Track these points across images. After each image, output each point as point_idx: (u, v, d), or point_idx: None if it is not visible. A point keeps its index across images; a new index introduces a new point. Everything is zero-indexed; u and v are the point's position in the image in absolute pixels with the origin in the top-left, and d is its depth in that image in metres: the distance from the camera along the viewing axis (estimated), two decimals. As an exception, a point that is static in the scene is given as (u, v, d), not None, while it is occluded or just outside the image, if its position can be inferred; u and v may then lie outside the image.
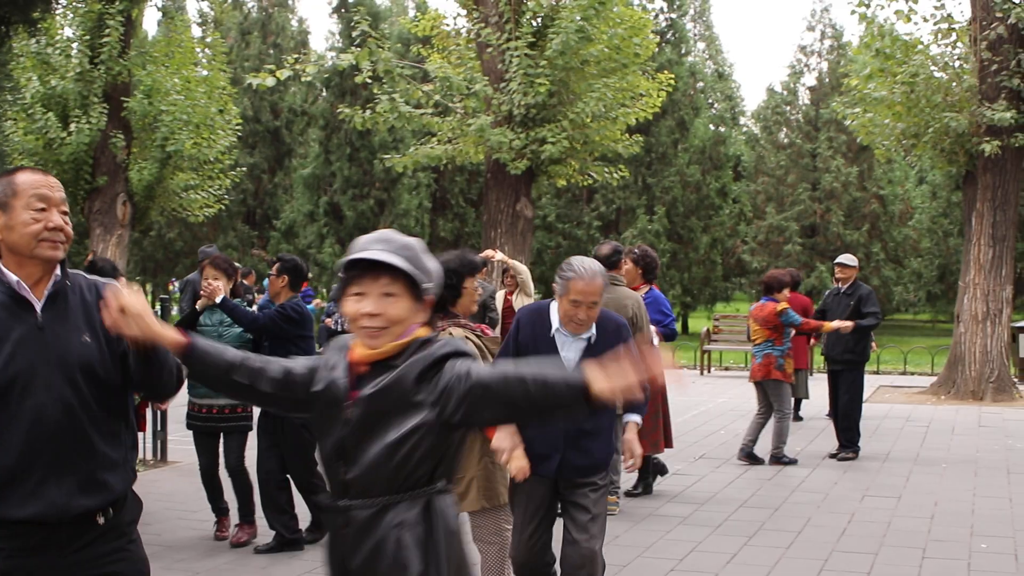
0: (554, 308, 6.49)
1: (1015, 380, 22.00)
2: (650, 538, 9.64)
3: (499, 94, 21.72)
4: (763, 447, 13.58)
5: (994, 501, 11.44)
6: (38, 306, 4.05)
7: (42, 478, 3.94)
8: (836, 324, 13.76)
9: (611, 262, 10.18)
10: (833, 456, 14.00)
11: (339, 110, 23.96)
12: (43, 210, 4.07)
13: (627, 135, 23.97)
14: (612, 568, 7.90)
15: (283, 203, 42.05)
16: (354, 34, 21.71)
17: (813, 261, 42.45)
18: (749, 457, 13.46)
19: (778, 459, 13.42)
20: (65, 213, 4.15)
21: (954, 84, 21.61)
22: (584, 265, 6.34)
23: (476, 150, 22.58)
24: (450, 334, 6.48)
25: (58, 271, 4.12)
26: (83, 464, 4.02)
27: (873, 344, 15.52)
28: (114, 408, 4.16)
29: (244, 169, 34.81)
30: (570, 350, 6.46)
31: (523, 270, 14.42)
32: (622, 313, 8.96)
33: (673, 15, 46.60)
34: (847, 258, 14.53)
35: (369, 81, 22.19)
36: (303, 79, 21.08)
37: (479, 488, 6.65)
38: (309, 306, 23.51)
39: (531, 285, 14.26)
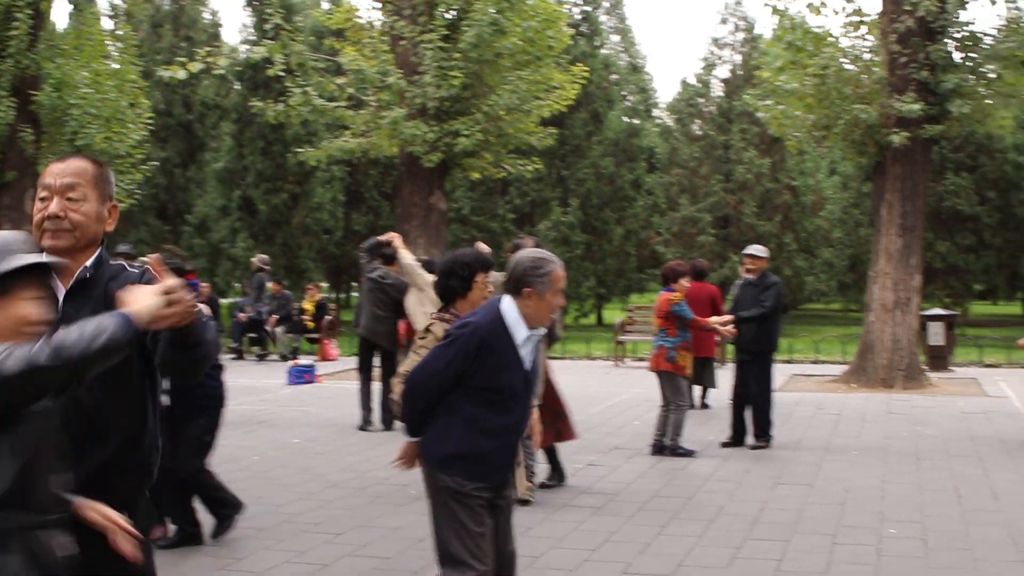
0: (510, 312, 5.96)
1: (924, 368, 22.29)
2: (563, 529, 9.67)
3: (413, 87, 21.70)
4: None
5: (903, 487, 11.59)
6: (60, 296, 4.01)
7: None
8: (720, 319, 13.92)
9: None
10: (726, 445, 14.08)
11: (252, 103, 23.86)
12: (44, 199, 4.02)
13: (541, 127, 24.05)
14: (525, 559, 7.90)
15: (196, 197, 41.66)
16: (267, 27, 21.63)
17: (726, 252, 42.73)
18: (661, 451, 13.49)
19: (674, 451, 13.38)
20: (72, 200, 4.08)
21: (864, 76, 21.84)
22: (548, 254, 6.11)
23: (390, 143, 22.53)
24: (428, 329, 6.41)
25: (90, 260, 4.08)
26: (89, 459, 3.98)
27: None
28: (126, 402, 4.11)
29: (156, 163, 34.35)
30: (526, 351, 6.05)
31: (409, 262, 14.06)
32: None
33: (587, 8, 46.72)
34: (757, 249, 14.57)
35: (282, 74, 22.10)
36: (215, 72, 20.96)
37: None
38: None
39: (423, 277, 13.80)
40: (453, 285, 6.77)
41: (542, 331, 6.13)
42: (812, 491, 11.40)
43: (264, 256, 27.59)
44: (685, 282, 13.57)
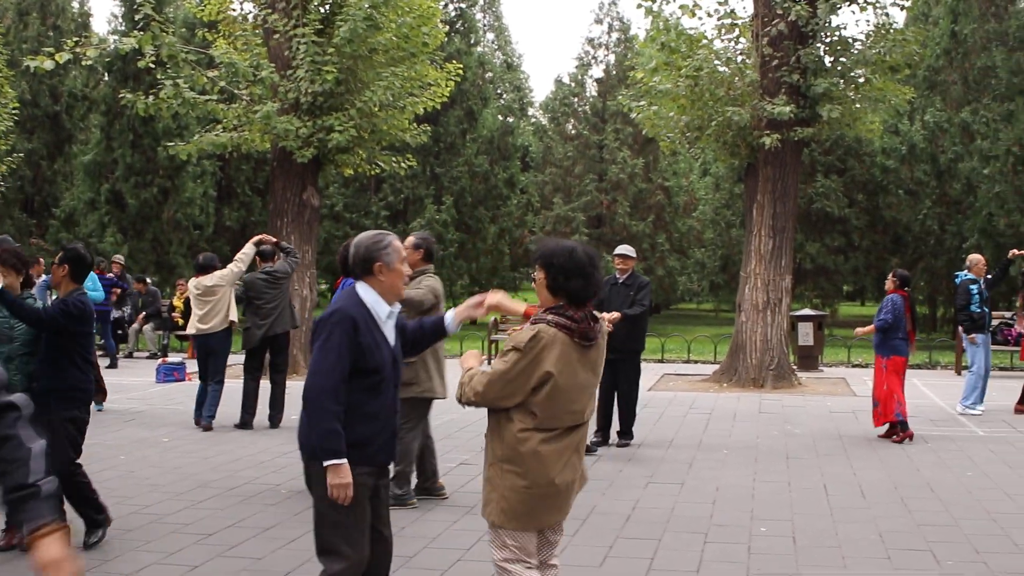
0: (367, 293, 6.10)
1: (794, 367, 22.57)
2: (436, 528, 9.60)
3: (286, 81, 21.53)
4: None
5: (773, 485, 11.70)
6: None
7: None
8: (608, 317, 13.92)
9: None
10: (595, 444, 14.08)
11: (122, 95, 23.43)
12: None
13: (415, 124, 24.00)
14: (399, 559, 7.84)
15: (63, 190, 40.83)
16: (137, 17, 21.19)
17: (600, 251, 42.91)
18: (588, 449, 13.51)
19: (588, 450, 13.42)
20: None
21: (736, 79, 22.04)
22: (380, 231, 6.29)
23: (262, 138, 22.32)
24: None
25: None
26: None
27: None
28: None
29: (21, 155, 33.75)
30: (390, 329, 6.21)
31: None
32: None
33: (462, 5, 46.72)
34: (628, 249, 14.61)
35: (153, 66, 21.79)
36: (84, 63, 20.49)
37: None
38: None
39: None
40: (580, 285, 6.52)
41: (399, 308, 6.29)
42: (684, 490, 11.45)
43: (118, 256, 26.86)
44: None
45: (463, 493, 11.11)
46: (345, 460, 5.85)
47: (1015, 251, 19.06)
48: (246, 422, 15.36)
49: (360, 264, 6.13)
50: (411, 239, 10.48)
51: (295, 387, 14.09)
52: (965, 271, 18.01)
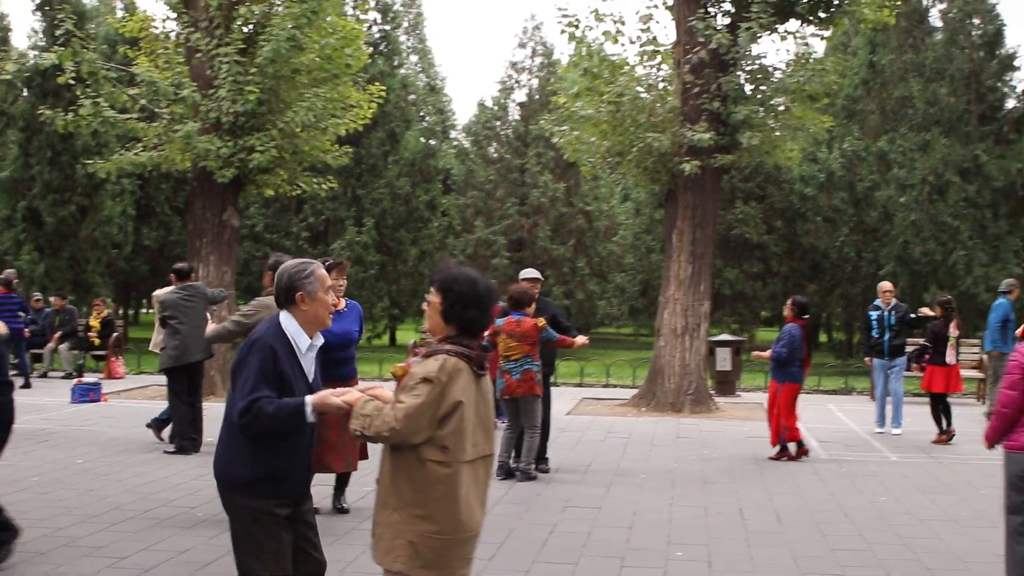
0: (289, 324, 6.01)
1: (712, 392, 22.70)
2: (352, 552, 9.56)
3: (207, 101, 21.40)
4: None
5: (690, 510, 11.76)
6: None
7: None
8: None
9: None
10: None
11: (40, 111, 23.18)
12: None
13: (337, 146, 23.91)
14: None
15: (-22, 207, 40.30)
16: (58, 33, 21.04)
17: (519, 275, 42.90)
18: (510, 474, 13.49)
19: (527, 475, 13.45)
20: None
21: (658, 105, 22.19)
22: (306, 259, 6.24)
23: (183, 157, 22.17)
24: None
25: None
26: None
27: None
28: None
29: (-64, 170, 33.27)
30: (309, 361, 6.15)
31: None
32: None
33: (386, 27, 46.68)
34: (535, 272, 14.68)
35: (72, 82, 21.57)
36: (3, 77, 20.34)
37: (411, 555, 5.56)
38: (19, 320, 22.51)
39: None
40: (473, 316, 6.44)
41: (321, 341, 6.19)
42: (601, 514, 11.48)
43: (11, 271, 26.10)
44: (532, 306, 13.55)
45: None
46: (311, 400, 5.79)
47: (923, 310, 19.48)
48: (184, 447, 15.02)
49: (283, 293, 6.05)
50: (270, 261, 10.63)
51: (213, 408, 14.05)
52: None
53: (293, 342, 5.98)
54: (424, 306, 6.16)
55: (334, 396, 5.79)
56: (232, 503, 5.96)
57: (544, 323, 13.38)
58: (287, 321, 6.02)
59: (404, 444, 5.43)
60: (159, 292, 15.65)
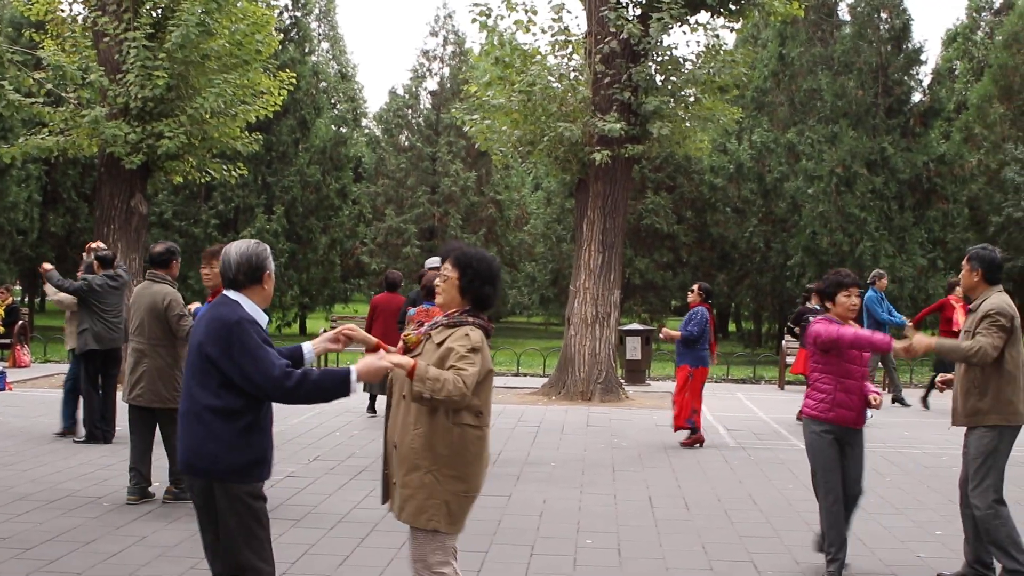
0: (247, 303, 6.03)
1: (622, 381, 22.79)
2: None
3: (115, 86, 21.14)
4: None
5: (599, 498, 11.80)
6: None
7: None
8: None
9: (162, 260, 11.24)
10: None
11: (-58, 95, 22.77)
12: None
13: (247, 133, 23.72)
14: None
15: None
16: (-40, 16, 20.67)
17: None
18: None
19: None
20: None
21: (569, 95, 22.20)
22: (249, 239, 6.35)
23: (90, 142, 21.85)
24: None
25: None
26: None
27: None
28: None
29: None
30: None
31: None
32: (157, 305, 10.81)
33: (297, 13, 46.37)
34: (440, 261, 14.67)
35: (-24, 66, 21.22)
36: (-98, 61, 19.93)
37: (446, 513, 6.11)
38: None
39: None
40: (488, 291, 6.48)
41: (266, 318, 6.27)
42: (511, 503, 11.48)
43: None
44: None
45: (289, 506, 11.00)
46: (356, 369, 5.86)
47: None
48: (95, 435, 14.76)
49: (250, 273, 6.04)
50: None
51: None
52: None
53: (258, 321, 6.02)
54: (438, 281, 6.22)
55: (379, 360, 5.89)
56: (227, 494, 5.90)
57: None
58: (245, 302, 6.02)
59: (461, 407, 5.93)
60: (92, 277, 15.27)
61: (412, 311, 13.16)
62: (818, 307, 18.27)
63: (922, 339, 8.56)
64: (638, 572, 8.87)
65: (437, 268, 14.42)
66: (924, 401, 20.89)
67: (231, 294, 6.03)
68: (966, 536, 8.83)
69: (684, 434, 15.93)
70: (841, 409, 8.68)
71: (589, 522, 10.62)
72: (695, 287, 16.13)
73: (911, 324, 19.61)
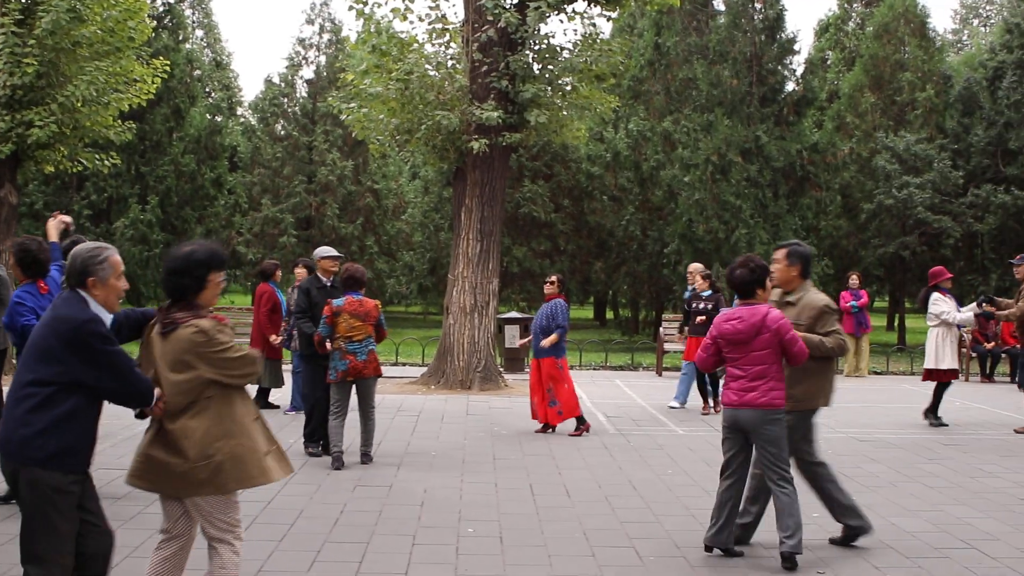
0: (91, 302, 6.18)
1: (501, 370, 22.84)
2: (140, 537, 9.34)
3: (-18, 73, 20.70)
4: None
5: (481, 487, 11.81)
6: None
7: None
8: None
9: None
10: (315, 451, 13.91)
11: None
12: None
13: (120, 121, 23.37)
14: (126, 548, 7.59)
15: None
16: None
17: (308, 254, 42.57)
18: (367, 457, 13.19)
19: (370, 457, 13.20)
20: None
21: (447, 83, 22.16)
22: (102, 243, 6.43)
23: (-44, 131, 21.38)
24: (195, 325, 6.33)
25: None
26: None
27: None
28: None
29: None
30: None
31: None
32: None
33: (171, 0, 45.75)
34: (334, 251, 14.55)
35: None
36: None
37: (229, 472, 6.45)
38: None
39: None
40: (186, 283, 6.54)
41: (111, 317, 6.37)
42: (392, 492, 11.45)
43: None
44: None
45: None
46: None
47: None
48: None
49: (76, 275, 6.18)
50: None
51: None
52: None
53: (102, 318, 6.15)
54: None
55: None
56: (30, 480, 5.96)
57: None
58: (89, 300, 6.16)
59: None
60: None
61: (340, 301, 13.06)
62: (708, 292, 18.51)
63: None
64: (520, 559, 8.88)
65: (332, 257, 14.41)
66: None
67: (81, 291, 6.19)
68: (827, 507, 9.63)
69: (534, 427, 16.01)
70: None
71: (471, 511, 10.62)
72: (554, 278, 16.21)
73: None
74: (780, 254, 9.46)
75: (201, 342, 6.34)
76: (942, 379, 17.37)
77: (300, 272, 17.19)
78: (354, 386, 13.19)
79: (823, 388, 9.38)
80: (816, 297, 9.43)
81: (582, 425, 15.78)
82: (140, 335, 6.65)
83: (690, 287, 19.56)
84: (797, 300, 9.35)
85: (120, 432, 14.52)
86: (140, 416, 6.44)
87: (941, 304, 17.42)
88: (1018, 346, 19.46)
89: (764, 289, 8.94)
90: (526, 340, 17.25)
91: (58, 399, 5.95)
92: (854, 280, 25.53)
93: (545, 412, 15.78)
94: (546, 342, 15.78)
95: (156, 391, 6.26)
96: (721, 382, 15.52)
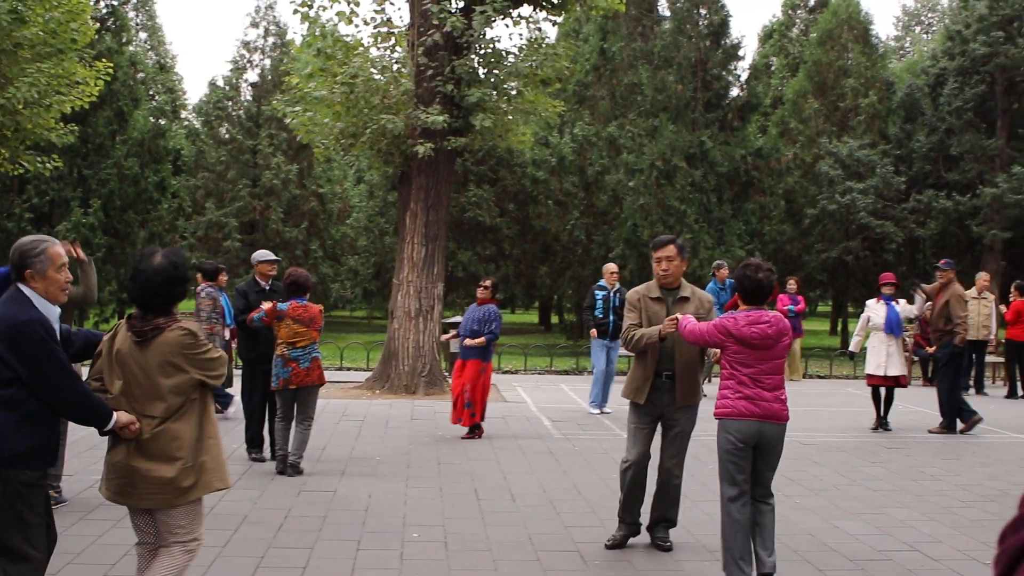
0: (37, 300, 6.22)
1: (446, 374, 22.81)
2: (96, 529, 9.27)
3: (-78, 74, 20.49)
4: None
5: (425, 491, 11.79)
6: None
7: None
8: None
9: None
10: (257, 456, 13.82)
11: None
12: None
13: (62, 124, 23.23)
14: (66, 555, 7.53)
15: None
16: None
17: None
18: (296, 469, 12.87)
19: (297, 468, 12.86)
20: None
21: (392, 87, 22.14)
22: (41, 236, 6.46)
23: None
24: (182, 327, 6.44)
25: None
26: None
27: None
28: None
29: None
30: (57, 328, 6.33)
31: None
32: None
33: (114, 2, 45.35)
34: (272, 254, 14.47)
35: None
36: None
37: (212, 470, 6.49)
38: None
39: None
40: (180, 291, 6.74)
41: (59, 311, 6.41)
42: (336, 498, 11.41)
43: None
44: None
45: (108, 507, 10.76)
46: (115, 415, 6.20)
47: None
48: None
49: (16, 269, 6.23)
50: None
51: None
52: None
53: (47, 314, 6.22)
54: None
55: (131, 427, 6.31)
56: (1, 479, 6.00)
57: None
58: (31, 294, 6.21)
59: None
60: None
61: (284, 306, 12.89)
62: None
63: (669, 325, 8.98)
64: (465, 564, 8.87)
65: (269, 261, 14.34)
66: None
67: (24, 288, 6.23)
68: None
69: (465, 430, 16.04)
70: None
71: (415, 515, 10.60)
72: (487, 282, 16.04)
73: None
74: (670, 250, 9.37)
75: (189, 343, 6.38)
76: (889, 384, 17.53)
77: (199, 277, 17.38)
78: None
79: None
80: (701, 291, 9.67)
81: (476, 431, 15.83)
82: (89, 355, 6.66)
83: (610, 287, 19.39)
84: (691, 294, 9.48)
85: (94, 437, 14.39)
86: (106, 434, 6.40)
87: (869, 310, 17.78)
88: (927, 348, 19.94)
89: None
90: (451, 335, 17.17)
91: (21, 399, 6.02)
92: (791, 285, 25.66)
93: (460, 412, 15.72)
94: (474, 342, 15.56)
95: (121, 415, 6.23)
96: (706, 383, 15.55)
